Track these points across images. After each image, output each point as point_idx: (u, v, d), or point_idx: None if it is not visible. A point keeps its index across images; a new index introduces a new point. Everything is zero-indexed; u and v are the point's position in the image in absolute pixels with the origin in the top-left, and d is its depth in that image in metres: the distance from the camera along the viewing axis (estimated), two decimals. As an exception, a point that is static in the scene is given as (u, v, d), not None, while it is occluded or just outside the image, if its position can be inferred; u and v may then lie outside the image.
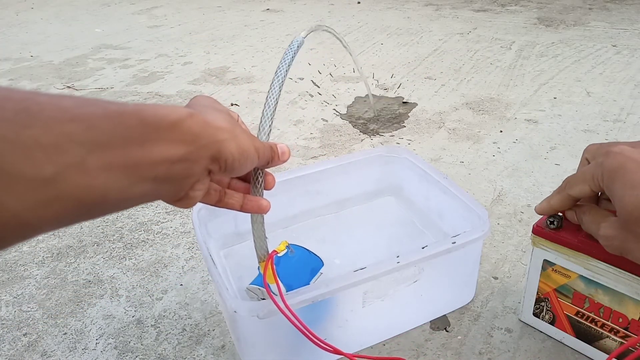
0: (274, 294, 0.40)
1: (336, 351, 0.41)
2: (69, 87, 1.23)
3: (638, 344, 0.43)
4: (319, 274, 0.51)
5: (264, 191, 0.40)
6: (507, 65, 1.21)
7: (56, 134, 0.23)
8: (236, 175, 0.38)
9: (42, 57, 1.45)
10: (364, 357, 0.46)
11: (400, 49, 1.36)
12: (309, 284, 0.50)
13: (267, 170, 0.40)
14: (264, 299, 0.46)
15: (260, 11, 1.85)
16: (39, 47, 1.55)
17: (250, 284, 0.48)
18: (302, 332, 0.40)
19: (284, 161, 0.39)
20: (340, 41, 0.46)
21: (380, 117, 0.99)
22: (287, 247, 0.46)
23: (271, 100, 0.39)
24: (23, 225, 0.22)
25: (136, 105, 0.27)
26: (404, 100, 1.05)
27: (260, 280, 0.47)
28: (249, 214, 0.41)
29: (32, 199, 0.22)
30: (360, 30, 1.54)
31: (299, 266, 0.49)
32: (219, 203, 0.38)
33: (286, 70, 0.39)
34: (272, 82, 0.39)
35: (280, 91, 0.39)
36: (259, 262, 0.43)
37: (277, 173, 0.62)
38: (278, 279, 0.42)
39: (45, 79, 1.29)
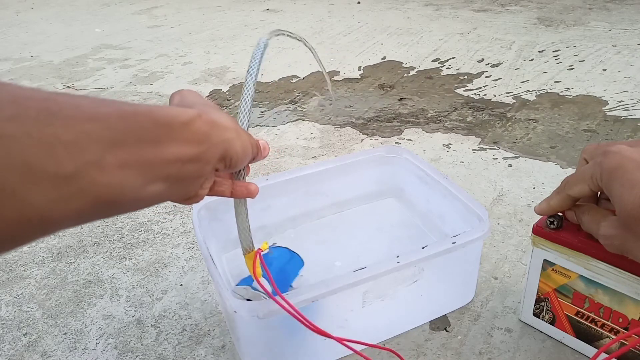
0: (263, 288, 0.41)
1: (324, 334, 0.41)
2: (69, 87, 1.23)
3: (639, 345, 0.43)
4: (299, 275, 0.52)
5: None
6: (507, 65, 1.21)
7: (75, 132, 0.23)
8: (236, 170, 0.39)
9: (42, 57, 1.45)
10: (353, 342, 0.44)
11: (400, 49, 1.36)
12: (291, 284, 0.51)
13: (262, 141, 0.41)
14: (249, 299, 0.46)
15: (260, 11, 1.85)
16: (39, 47, 1.55)
17: (237, 285, 0.48)
18: (297, 318, 0.40)
19: (265, 157, 0.41)
20: (304, 43, 0.47)
21: (380, 116, 0.99)
22: (269, 247, 0.46)
23: (246, 98, 0.40)
24: (45, 221, 0.23)
25: (148, 106, 0.28)
26: (401, 97, 1.05)
27: (246, 281, 0.47)
28: (234, 210, 0.41)
29: (54, 195, 0.23)
30: (360, 30, 1.54)
31: (281, 265, 0.49)
32: (210, 192, 0.39)
33: (257, 69, 0.40)
34: (246, 82, 0.40)
35: (254, 89, 0.40)
36: (244, 255, 0.43)
37: (277, 173, 0.62)
38: (269, 271, 0.42)
39: (45, 79, 1.29)
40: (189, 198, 0.33)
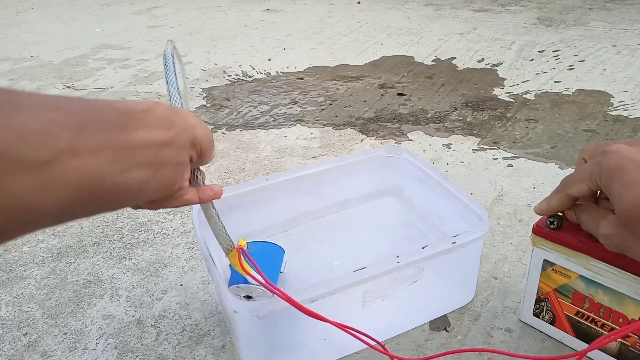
0: (257, 280, 0.41)
1: (320, 317, 0.40)
2: (69, 87, 1.23)
3: (638, 340, 0.43)
4: (284, 261, 0.53)
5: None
6: (507, 65, 1.21)
7: (43, 120, 0.24)
8: (205, 164, 0.38)
9: (42, 57, 1.45)
10: (339, 325, 0.43)
11: (401, 49, 1.36)
12: (279, 271, 0.52)
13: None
14: (248, 295, 0.46)
15: (260, 11, 1.84)
16: (39, 47, 1.55)
17: (229, 286, 0.47)
18: (290, 302, 0.40)
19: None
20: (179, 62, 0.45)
21: (380, 117, 0.99)
22: (247, 244, 0.46)
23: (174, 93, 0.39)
24: (27, 210, 0.23)
25: (105, 100, 0.28)
26: (400, 93, 1.05)
27: (235, 280, 0.47)
28: (204, 215, 0.41)
29: (32, 182, 0.23)
30: (360, 30, 1.54)
31: (265, 258, 0.50)
32: (179, 202, 0.38)
33: (175, 78, 0.39)
34: (170, 93, 0.39)
35: (179, 97, 0.39)
36: (227, 255, 0.43)
37: (277, 173, 0.62)
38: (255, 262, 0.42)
39: (45, 79, 1.29)
40: (173, 193, 0.33)
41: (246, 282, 0.45)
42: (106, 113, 0.27)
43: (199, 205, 0.54)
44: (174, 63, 0.40)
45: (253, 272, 0.42)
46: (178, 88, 0.39)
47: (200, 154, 0.34)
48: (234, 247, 0.42)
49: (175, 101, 0.38)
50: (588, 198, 0.42)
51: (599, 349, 0.46)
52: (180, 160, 0.31)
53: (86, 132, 0.25)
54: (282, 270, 0.52)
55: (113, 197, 0.28)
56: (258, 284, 0.42)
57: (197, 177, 0.39)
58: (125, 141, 0.27)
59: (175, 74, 0.40)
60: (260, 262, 0.44)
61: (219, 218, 0.41)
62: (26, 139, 0.23)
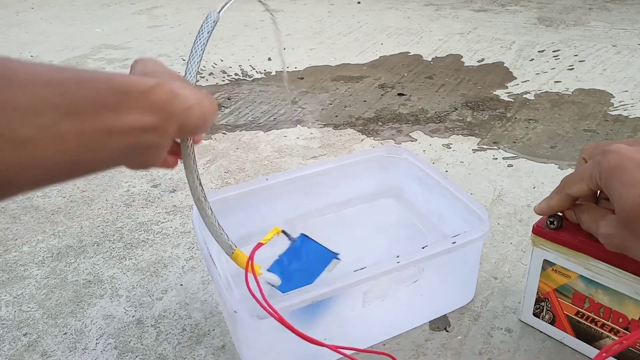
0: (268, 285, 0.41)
1: (317, 342, 0.40)
2: (69, 87, 1.23)
3: (638, 344, 0.43)
4: (333, 264, 0.48)
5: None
6: (507, 65, 1.21)
7: (30, 97, 0.24)
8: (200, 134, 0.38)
9: (42, 57, 1.45)
10: (344, 348, 0.44)
11: (401, 49, 1.36)
12: (319, 274, 0.47)
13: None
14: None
15: (260, 11, 1.84)
16: (39, 47, 1.55)
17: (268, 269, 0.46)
18: (291, 329, 0.40)
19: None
20: (273, 21, 0.45)
21: (380, 117, 0.99)
22: (285, 233, 0.44)
23: (192, 69, 0.39)
24: (6, 183, 0.24)
25: (107, 73, 0.28)
26: (400, 92, 1.05)
27: (273, 269, 0.46)
28: (202, 218, 0.40)
29: (12, 158, 0.23)
30: (360, 30, 1.54)
31: (306, 256, 0.47)
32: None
33: (206, 40, 0.39)
34: (193, 52, 0.38)
35: (200, 61, 0.39)
36: (231, 256, 0.41)
37: (277, 173, 0.62)
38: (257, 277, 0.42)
39: (45, 79, 1.29)
40: (144, 166, 0.33)
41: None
42: (101, 90, 0.27)
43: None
44: (209, 35, 0.39)
45: (268, 275, 0.42)
46: (199, 64, 0.38)
47: (188, 134, 0.33)
48: (235, 248, 0.42)
49: (191, 76, 0.37)
50: (588, 198, 0.42)
51: (599, 350, 0.46)
52: (160, 144, 0.31)
53: (73, 113, 0.25)
54: (326, 271, 0.48)
55: (83, 172, 0.28)
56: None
57: (187, 150, 0.37)
58: (112, 124, 0.27)
59: (204, 48, 0.38)
60: (299, 259, 0.43)
61: (215, 219, 0.40)
62: (8, 115, 0.23)
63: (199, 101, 0.32)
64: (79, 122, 0.25)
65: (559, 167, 0.78)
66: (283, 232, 0.46)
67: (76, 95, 0.25)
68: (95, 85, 0.27)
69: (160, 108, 0.29)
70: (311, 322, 0.46)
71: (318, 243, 0.49)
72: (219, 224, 0.40)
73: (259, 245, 0.43)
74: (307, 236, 0.49)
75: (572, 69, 1.16)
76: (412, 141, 0.89)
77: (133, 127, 0.28)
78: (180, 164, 0.38)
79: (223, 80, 1.22)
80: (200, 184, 0.38)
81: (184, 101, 0.31)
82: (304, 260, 0.47)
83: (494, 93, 1.06)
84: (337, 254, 0.49)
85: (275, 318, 0.39)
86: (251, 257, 0.41)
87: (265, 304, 0.39)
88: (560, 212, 0.44)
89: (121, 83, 0.28)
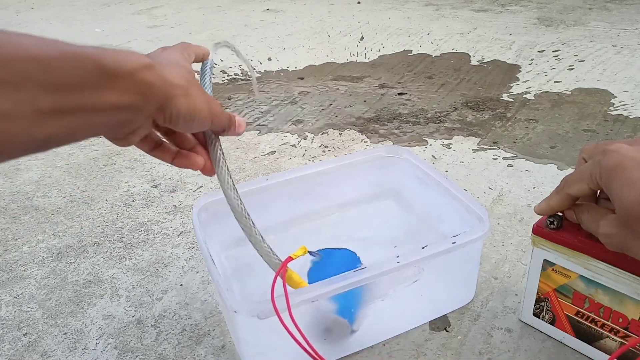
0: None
1: None
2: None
3: (639, 345, 0.43)
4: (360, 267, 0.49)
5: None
6: (507, 65, 1.21)
7: (12, 72, 0.23)
8: (183, 131, 0.39)
9: (42, 57, 1.45)
10: None
11: (401, 49, 1.36)
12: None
13: (239, 118, 0.41)
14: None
15: (260, 11, 1.84)
16: (39, 47, 1.54)
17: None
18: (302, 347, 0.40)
19: (239, 134, 0.41)
20: (240, 56, 0.47)
21: (380, 117, 0.99)
22: (310, 253, 0.45)
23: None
24: None
25: (96, 49, 0.27)
26: (400, 92, 1.05)
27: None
28: (245, 235, 0.42)
29: None
30: (360, 30, 1.54)
31: (335, 264, 0.48)
32: (152, 152, 0.39)
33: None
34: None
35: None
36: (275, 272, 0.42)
37: (277, 173, 0.62)
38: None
39: (45, 79, 1.29)
40: (117, 139, 0.33)
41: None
42: (87, 69, 0.26)
43: (198, 206, 0.55)
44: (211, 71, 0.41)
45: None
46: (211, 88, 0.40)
47: (168, 121, 0.33)
48: (280, 261, 0.42)
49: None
50: (588, 198, 0.42)
51: (599, 350, 0.46)
52: (132, 120, 0.30)
53: (53, 90, 0.25)
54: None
55: (62, 144, 0.28)
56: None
57: (213, 150, 0.39)
58: (90, 102, 0.27)
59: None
60: (330, 268, 0.43)
61: (262, 238, 0.41)
62: None
63: (186, 92, 0.32)
64: (57, 100, 0.25)
65: (558, 167, 0.78)
66: (309, 252, 0.46)
67: (60, 72, 0.25)
68: (81, 62, 0.26)
69: (141, 89, 0.29)
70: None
71: (336, 248, 0.50)
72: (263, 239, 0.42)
73: (289, 259, 0.43)
74: (325, 249, 0.50)
75: (572, 69, 1.16)
76: (412, 141, 0.89)
77: (111, 106, 0.28)
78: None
79: (223, 80, 1.22)
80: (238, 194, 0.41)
81: (170, 88, 0.31)
82: (336, 268, 0.47)
83: (494, 93, 1.06)
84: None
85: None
86: (284, 270, 0.42)
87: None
88: (560, 212, 0.44)
89: (110, 61, 0.27)
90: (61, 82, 0.25)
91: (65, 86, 0.25)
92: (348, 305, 0.47)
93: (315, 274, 0.47)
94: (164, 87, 0.31)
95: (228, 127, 0.39)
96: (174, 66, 0.33)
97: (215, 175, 0.41)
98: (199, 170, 0.41)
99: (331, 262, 0.48)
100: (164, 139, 0.40)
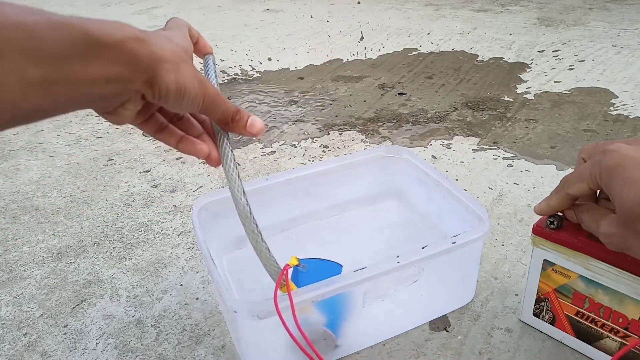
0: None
1: None
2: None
3: (639, 345, 0.43)
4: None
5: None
6: (507, 65, 1.21)
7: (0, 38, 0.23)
8: (175, 110, 0.37)
9: (42, 57, 1.45)
10: None
11: (400, 49, 1.36)
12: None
13: (253, 117, 0.39)
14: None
15: (260, 11, 1.84)
16: (39, 47, 1.55)
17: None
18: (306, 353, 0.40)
19: (252, 134, 0.39)
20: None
21: (380, 117, 0.98)
22: (299, 262, 0.45)
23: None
24: None
25: (83, 19, 0.27)
26: (400, 92, 1.05)
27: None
28: (251, 245, 0.41)
29: None
30: (360, 30, 1.54)
31: (319, 277, 0.48)
32: (156, 134, 0.38)
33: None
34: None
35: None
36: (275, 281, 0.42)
37: (277, 173, 0.62)
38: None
39: (45, 79, 1.29)
40: (108, 113, 0.32)
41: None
42: (74, 35, 0.26)
43: (198, 206, 0.55)
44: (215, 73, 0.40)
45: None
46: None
47: (157, 97, 0.32)
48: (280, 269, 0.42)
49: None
50: (588, 198, 0.42)
51: (599, 350, 0.46)
52: (120, 92, 0.30)
53: (41, 60, 0.24)
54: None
55: (50, 116, 0.27)
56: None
57: (222, 144, 0.38)
58: (78, 73, 0.26)
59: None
60: (316, 280, 0.43)
61: (267, 248, 0.41)
62: None
63: (176, 67, 0.31)
64: (45, 70, 0.25)
65: (558, 167, 0.78)
66: (300, 260, 0.46)
67: (47, 40, 0.24)
68: (68, 31, 0.25)
69: (129, 60, 0.28)
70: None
71: (319, 259, 0.50)
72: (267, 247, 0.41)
73: (288, 266, 0.43)
74: (306, 258, 0.50)
75: (572, 69, 1.16)
76: (412, 141, 0.89)
77: (99, 78, 0.27)
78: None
79: (223, 80, 1.22)
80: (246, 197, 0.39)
81: (158, 61, 0.30)
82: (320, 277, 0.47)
83: (494, 93, 1.06)
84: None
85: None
86: (286, 277, 0.42)
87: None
88: (560, 212, 0.44)
89: (98, 30, 0.27)
90: (47, 50, 0.24)
91: (52, 56, 0.25)
92: (335, 319, 0.47)
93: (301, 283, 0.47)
94: (152, 60, 0.30)
95: (232, 119, 0.37)
96: (166, 41, 0.32)
97: (221, 167, 0.40)
98: (203, 159, 0.40)
99: (314, 274, 0.48)
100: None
